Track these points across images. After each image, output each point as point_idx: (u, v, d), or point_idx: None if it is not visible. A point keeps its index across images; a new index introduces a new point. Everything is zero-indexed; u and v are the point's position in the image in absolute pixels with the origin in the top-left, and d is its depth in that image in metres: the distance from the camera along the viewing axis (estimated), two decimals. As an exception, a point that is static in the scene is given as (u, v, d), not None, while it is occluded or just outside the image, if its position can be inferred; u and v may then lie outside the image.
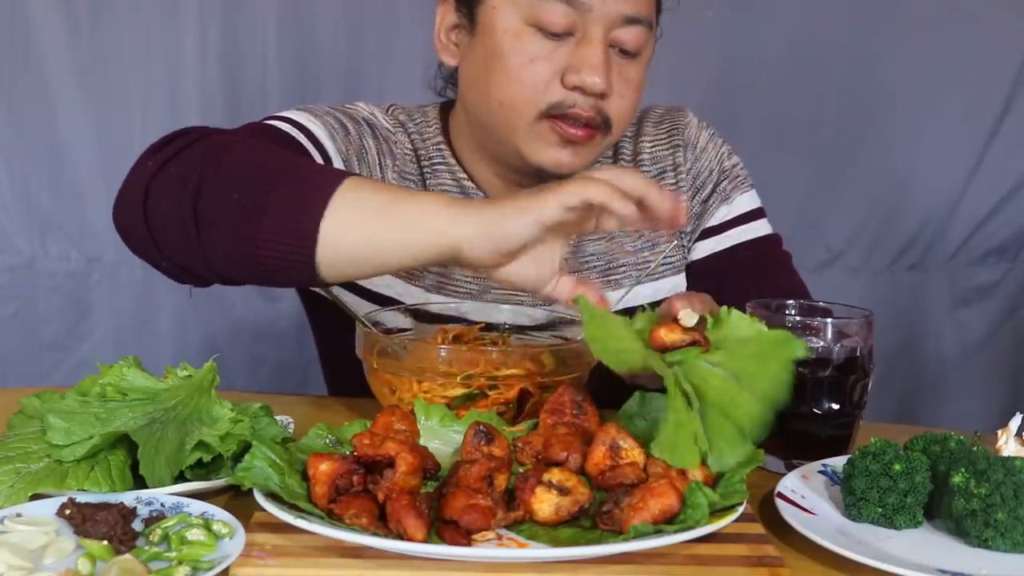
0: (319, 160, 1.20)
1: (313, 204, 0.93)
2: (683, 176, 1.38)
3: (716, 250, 1.38)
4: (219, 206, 0.96)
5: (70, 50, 2.23)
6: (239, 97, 2.30)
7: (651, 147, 1.38)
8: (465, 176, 1.32)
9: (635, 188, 0.94)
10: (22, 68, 2.23)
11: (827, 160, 2.48)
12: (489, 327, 1.21)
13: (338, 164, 1.23)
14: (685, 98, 1.48)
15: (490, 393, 1.05)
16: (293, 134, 1.20)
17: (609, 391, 1.07)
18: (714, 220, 1.39)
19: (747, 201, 1.40)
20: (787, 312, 1.09)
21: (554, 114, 1.19)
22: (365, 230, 0.93)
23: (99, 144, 2.27)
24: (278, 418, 1.02)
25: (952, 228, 2.54)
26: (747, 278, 1.36)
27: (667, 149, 1.38)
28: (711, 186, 1.39)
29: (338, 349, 1.24)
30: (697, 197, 1.38)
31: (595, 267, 1.35)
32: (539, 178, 1.27)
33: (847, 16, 2.41)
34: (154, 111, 2.26)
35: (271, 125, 1.21)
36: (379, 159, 1.29)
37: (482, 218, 0.92)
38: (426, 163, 1.33)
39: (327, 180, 0.95)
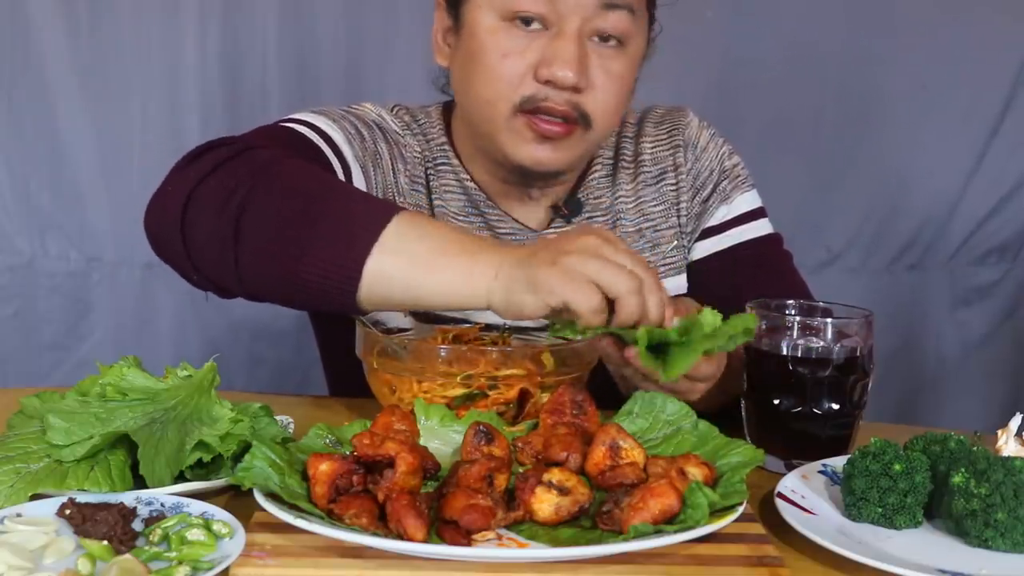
0: (337, 165, 1.21)
1: (358, 245, 0.93)
2: (683, 176, 1.38)
3: (716, 250, 1.38)
4: (262, 233, 0.96)
5: (70, 50, 2.22)
6: (239, 97, 2.29)
7: (652, 147, 1.39)
8: (468, 176, 1.33)
9: (650, 313, 0.92)
10: (22, 68, 2.22)
11: (827, 160, 2.48)
12: (489, 327, 1.21)
13: (356, 169, 1.24)
14: (686, 98, 1.48)
15: (490, 393, 1.05)
16: (314, 139, 1.21)
17: (609, 391, 1.07)
18: (714, 220, 1.38)
19: (748, 201, 1.40)
20: (787, 312, 1.09)
21: (527, 108, 1.19)
22: (406, 279, 0.94)
23: (99, 144, 2.27)
24: (278, 418, 1.02)
25: (952, 228, 2.54)
26: (747, 278, 1.36)
27: (668, 149, 1.38)
28: (711, 186, 1.38)
29: (338, 349, 1.24)
30: (697, 197, 1.38)
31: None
32: (522, 175, 1.27)
33: (847, 17, 2.41)
34: (154, 111, 2.26)
35: (292, 129, 1.21)
36: (392, 163, 1.30)
37: (514, 300, 0.91)
38: (430, 164, 1.33)
39: (373, 216, 0.95)
